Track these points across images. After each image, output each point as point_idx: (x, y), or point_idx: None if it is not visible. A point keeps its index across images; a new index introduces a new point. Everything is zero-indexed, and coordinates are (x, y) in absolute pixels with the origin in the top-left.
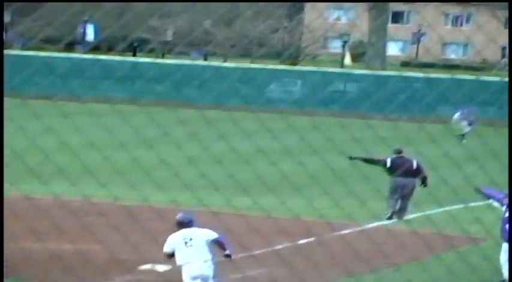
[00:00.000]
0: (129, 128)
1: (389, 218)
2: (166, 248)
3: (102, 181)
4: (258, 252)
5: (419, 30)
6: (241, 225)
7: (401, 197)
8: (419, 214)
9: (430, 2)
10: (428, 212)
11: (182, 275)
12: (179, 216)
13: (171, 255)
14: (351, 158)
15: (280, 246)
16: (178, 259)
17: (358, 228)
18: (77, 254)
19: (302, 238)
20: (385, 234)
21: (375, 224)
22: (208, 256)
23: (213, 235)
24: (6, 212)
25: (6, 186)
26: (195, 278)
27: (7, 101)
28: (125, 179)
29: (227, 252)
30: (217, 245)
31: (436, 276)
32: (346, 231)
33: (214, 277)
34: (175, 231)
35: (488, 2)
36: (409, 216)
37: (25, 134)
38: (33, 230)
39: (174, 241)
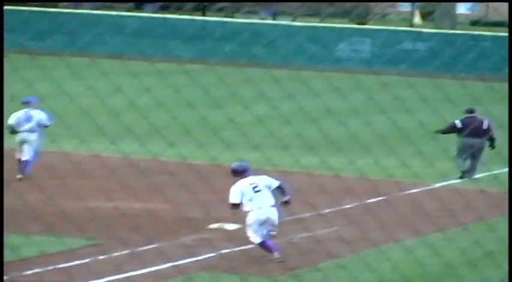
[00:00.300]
0: (197, 87)
1: (461, 177)
2: (235, 197)
3: (170, 140)
4: (326, 211)
5: None
6: (309, 184)
7: (471, 157)
8: (487, 173)
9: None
10: (496, 172)
11: (248, 221)
12: (234, 164)
13: (238, 205)
14: (434, 132)
15: (348, 206)
16: (247, 205)
17: (426, 188)
18: (146, 213)
19: (370, 197)
20: (452, 193)
21: (443, 183)
22: (273, 201)
23: (275, 182)
24: (75, 171)
25: (75, 144)
26: (262, 222)
27: (76, 60)
28: (193, 139)
29: (286, 198)
30: (279, 191)
31: (503, 236)
32: (414, 191)
33: (278, 225)
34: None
35: None
36: (477, 175)
37: (94, 93)
38: (102, 189)
39: (242, 188)
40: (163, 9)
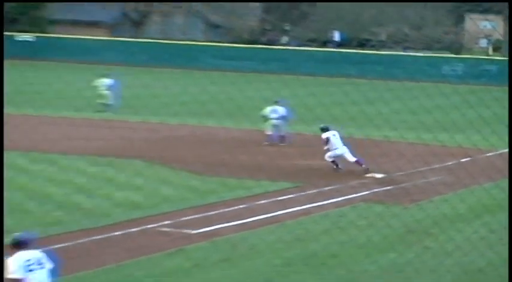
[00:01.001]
0: (359, 92)
1: None
2: (324, 141)
3: (341, 124)
4: (436, 166)
5: None
6: (426, 150)
7: None
8: None
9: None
10: None
11: (332, 154)
12: (322, 125)
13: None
14: None
15: (449, 163)
16: (329, 145)
17: (496, 152)
18: (326, 167)
19: (463, 158)
20: None
21: (506, 150)
22: (342, 143)
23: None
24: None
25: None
26: (338, 156)
27: (286, 77)
28: (355, 123)
29: None
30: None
31: None
32: (489, 154)
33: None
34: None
35: None
36: None
37: (317, 98)
38: (302, 153)
39: (329, 137)
40: (339, 45)
